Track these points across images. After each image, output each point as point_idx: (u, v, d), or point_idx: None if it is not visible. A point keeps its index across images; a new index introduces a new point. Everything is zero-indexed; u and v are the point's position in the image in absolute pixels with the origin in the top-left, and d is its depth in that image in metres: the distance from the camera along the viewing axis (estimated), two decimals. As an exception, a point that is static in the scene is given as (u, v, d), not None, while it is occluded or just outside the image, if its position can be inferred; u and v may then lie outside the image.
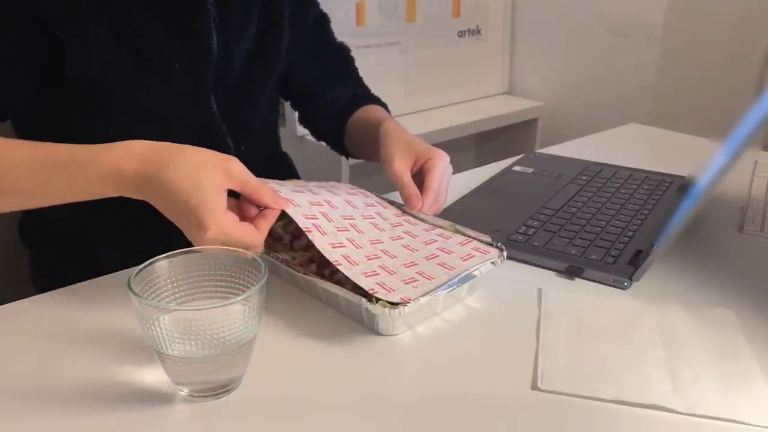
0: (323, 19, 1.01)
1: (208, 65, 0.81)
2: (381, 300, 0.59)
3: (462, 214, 0.85)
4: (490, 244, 0.69)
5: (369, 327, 0.63)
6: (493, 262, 0.67)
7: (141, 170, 0.59)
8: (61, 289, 0.70)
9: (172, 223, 0.60)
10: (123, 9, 0.73)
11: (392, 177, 0.77)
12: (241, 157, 0.68)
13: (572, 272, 0.74)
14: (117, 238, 0.85)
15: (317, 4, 1.01)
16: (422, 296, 0.60)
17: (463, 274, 0.64)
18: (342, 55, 1.03)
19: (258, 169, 0.68)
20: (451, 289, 0.62)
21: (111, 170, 0.60)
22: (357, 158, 1.02)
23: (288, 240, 0.71)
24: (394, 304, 0.58)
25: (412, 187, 0.75)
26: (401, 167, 0.77)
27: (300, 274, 0.65)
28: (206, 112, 0.83)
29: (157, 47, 0.76)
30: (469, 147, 2.37)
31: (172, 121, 0.81)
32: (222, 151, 0.79)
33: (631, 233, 0.82)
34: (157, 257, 0.55)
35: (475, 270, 0.65)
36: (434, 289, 0.61)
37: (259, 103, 0.92)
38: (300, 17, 0.95)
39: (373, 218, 0.72)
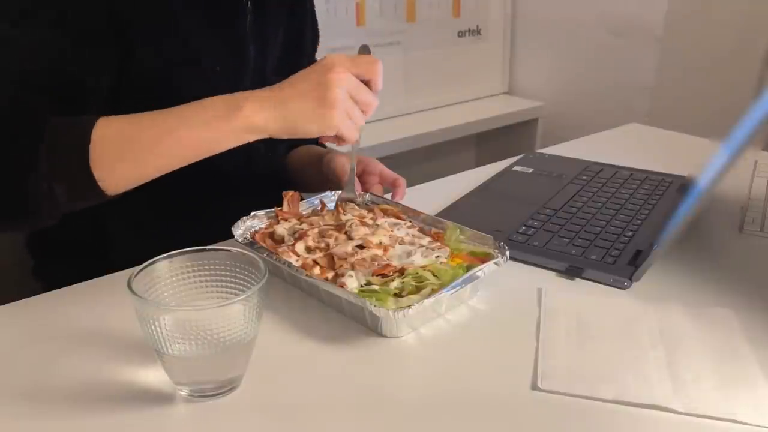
0: None
1: (246, 73, 0.86)
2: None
3: (462, 214, 0.85)
4: (490, 253, 0.69)
5: (372, 329, 0.63)
6: (496, 263, 0.67)
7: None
8: (61, 289, 0.70)
9: (195, 215, 0.65)
10: (183, 12, 0.78)
11: (337, 168, 0.89)
12: (268, 161, 0.82)
13: (572, 272, 0.74)
14: (137, 227, 0.86)
15: (316, 50, 1.06)
16: (426, 298, 0.60)
17: (467, 275, 0.64)
18: None
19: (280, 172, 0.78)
20: (455, 290, 0.62)
21: (236, 95, 0.67)
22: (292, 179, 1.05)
23: (291, 242, 0.71)
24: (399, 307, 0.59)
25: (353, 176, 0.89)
26: (345, 161, 0.90)
27: (303, 277, 0.65)
28: None
29: (205, 50, 0.81)
30: (469, 147, 2.37)
31: None
32: (254, 155, 0.91)
33: (631, 233, 0.82)
34: (157, 257, 0.55)
35: (478, 271, 0.65)
36: (439, 291, 0.61)
37: None
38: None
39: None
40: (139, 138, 0.66)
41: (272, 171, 0.95)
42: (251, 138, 0.67)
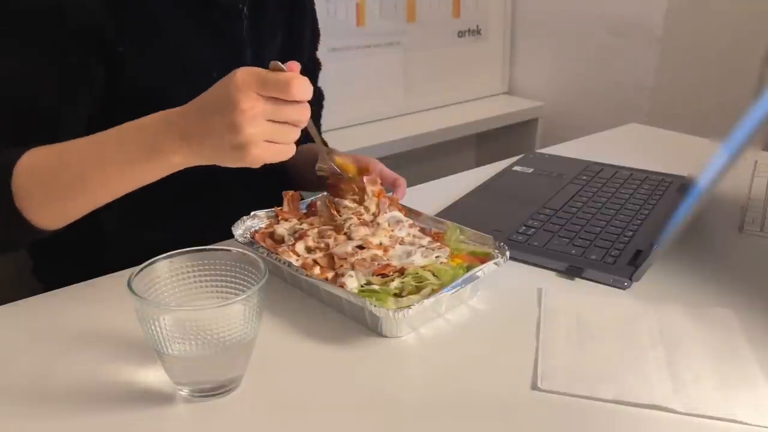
0: (316, 66, 1.06)
1: None
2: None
3: (462, 214, 0.85)
4: (490, 253, 0.69)
5: (372, 329, 0.63)
6: (496, 263, 0.67)
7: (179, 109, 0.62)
8: (61, 289, 0.70)
9: (195, 215, 0.64)
10: (172, 18, 0.77)
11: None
12: (265, 167, 0.73)
13: (572, 272, 0.74)
14: (137, 228, 0.86)
15: (317, 48, 1.05)
16: (426, 298, 0.60)
17: (467, 275, 0.64)
18: (315, 101, 1.07)
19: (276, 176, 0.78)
20: (455, 290, 0.62)
21: (154, 119, 0.62)
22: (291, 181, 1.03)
23: (291, 242, 0.71)
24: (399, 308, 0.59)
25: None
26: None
27: (303, 277, 0.65)
28: None
29: (200, 57, 0.80)
30: (469, 147, 2.37)
31: None
32: None
33: (631, 233, 0.82)
34: (157, 257, 0.55)
35: (478, 271, 0.65)
36: (439, 291, 0.61)
37: None
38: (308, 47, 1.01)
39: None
40: (61, 176, 0.65)
41: (272, 171, 0.95)
42: (176, 170, 0.64)
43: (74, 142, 0.66)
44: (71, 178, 0.65)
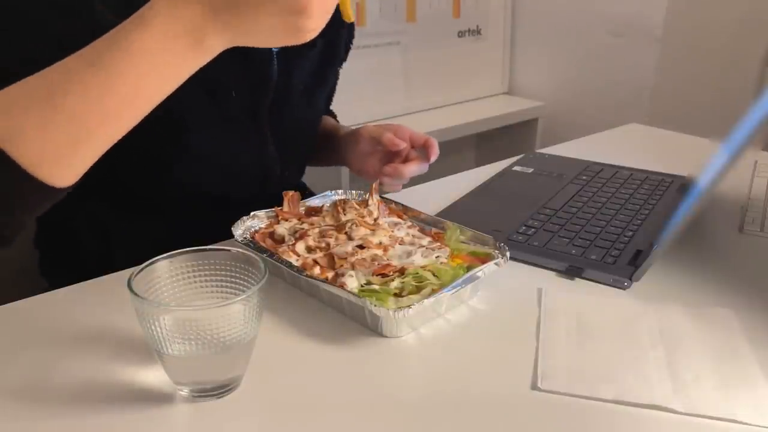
0: (337, 78, 1.03)
1: (265, 94, 0.81)
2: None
3: (462, 214, 0.85)
4: (491, 253, 0.69)
5: (372, 329, 0.63)
6: (496, 263, 0.67)
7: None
8: (62, 288, 0.70)
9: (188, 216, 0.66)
10: None
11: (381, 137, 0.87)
12: (283, 180, 0.82)
13: (572, 272, 0.74)
14: (137, 228, 0.85)
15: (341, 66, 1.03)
16: (426, 298, 0.60)
17: (467, 275, 0.64)
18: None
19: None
20: (455, 290, 0.62)
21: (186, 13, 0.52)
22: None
23: (291, 242, 0.71)
24: (399, 308, 0.59)
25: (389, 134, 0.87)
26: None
27: (303, 276, 0.65)
28: (261, 139, 0.85)
29: (217, 73, 0.71)
30: (469, 147, 2.37)
31: (229, 151, 0.83)
32: (270, 176, 0.89)
33: (631, 233, 0.82)
34: (157, 257, 0.55)
35: (478, 271, 0.65)
36: (439, 291, 0.61)
37: (312, 127, 0.95)
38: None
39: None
40: (59, 92, 0.52)
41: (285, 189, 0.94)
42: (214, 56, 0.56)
43: (61, 67, 0.53)
44: (74, 89, 0.52)
